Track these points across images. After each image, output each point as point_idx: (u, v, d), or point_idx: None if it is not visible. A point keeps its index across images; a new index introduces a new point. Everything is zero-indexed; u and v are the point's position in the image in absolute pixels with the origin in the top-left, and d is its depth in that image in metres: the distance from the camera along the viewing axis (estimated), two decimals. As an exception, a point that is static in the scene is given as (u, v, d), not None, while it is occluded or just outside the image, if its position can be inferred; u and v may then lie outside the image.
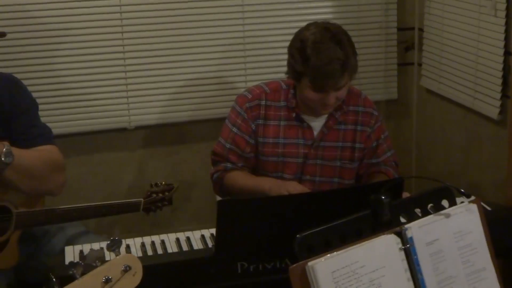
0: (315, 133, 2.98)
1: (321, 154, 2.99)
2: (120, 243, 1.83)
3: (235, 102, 3.03)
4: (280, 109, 2.98)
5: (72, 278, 1.66)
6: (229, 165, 2.99)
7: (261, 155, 3.00)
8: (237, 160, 2.99)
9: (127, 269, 1.73)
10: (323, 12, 3.85)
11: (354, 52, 2.85)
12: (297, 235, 1.78)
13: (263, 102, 2.98)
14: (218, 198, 3.06)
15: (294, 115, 2.96)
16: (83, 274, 1.67)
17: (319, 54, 2.75)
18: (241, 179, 2.96)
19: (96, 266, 1.70)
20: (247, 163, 3.01)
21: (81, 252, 2.54)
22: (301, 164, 2.99)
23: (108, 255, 1.85)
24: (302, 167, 2.99)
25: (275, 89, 3.00)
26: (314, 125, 2.98)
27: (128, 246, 2.55)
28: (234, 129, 2.98)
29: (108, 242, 1.78)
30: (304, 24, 2.91)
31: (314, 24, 2.87)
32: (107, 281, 1.69)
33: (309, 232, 1.80)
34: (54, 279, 1.65)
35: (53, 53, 3.58)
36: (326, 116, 2.97)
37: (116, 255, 1.75)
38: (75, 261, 1.67)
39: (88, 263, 1.70)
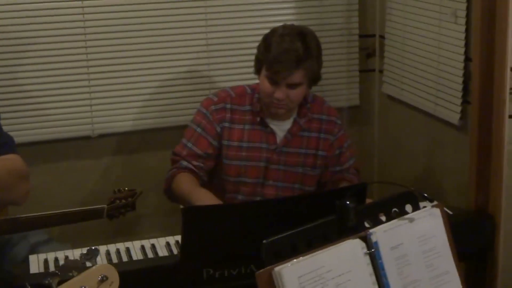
0: (279, 138, 3.01)
1: (283, 159, 3.02)
2: (97, 252, 1.83)
3: (200, 105, 3.06)
4: (245, 113, 3.01)
5: (46, 287, 1.65)
6: (184, 163, 3.00)
7: (225, 158, 3.02)
8: (194, 159, 2.99)
9: (103, 279, 1.72)
10: (285, 19, 3.84)
11: (318, 58, 2.90)
12: (264, 241, 1.79)
13: (228, 106, 3.01)
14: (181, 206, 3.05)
15: (258, 119, 2.99)
16: (59, 284, 1.67)
17: (280, 43, 2.83)
18: (185, 184, 2.95)
19: (72, 276, 1.69)
20: (204, 164, 3.01)
21: (46, 261, 2.52)
22: (263, 168, 3.01)
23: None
24: (264, 171, 3.01)
25: (240, 94, 3.03)
26: (278, 130, 3.01)
27: (93, 254, 2.54)
28: (198, 130, 3.00)
29: (85, 252, 1.77)
30: (266, 30, 2.98)
31: (291, 24, 2.97)
32: None
33: (275, 237, 1.81)
34: None
35: (15, 62, 3.55)
36: (290, 122, 3.01)
37: (93, 265, 1.74)
38: (51, 271, 1.67)
39: (64, 273, 1.70)
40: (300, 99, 2.94)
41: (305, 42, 2.84)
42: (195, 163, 3.00)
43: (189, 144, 3.01)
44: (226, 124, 3.00)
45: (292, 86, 2.85)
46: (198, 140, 3.00)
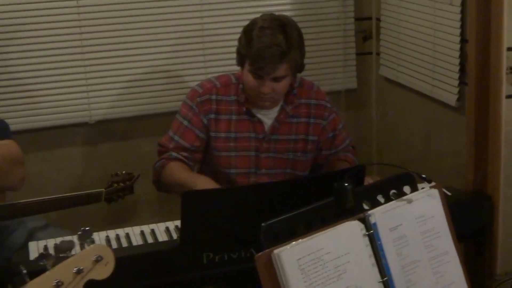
0: (266, 127, 2.99)
1: (273, 147, 3.00)
2: (91, 233, 1.83)
3: (186, 97, 3.03)
4: (231, 103, 2.98)
5: (42, 270, 1.65)
6: (174, 154, 2.98)
7: (214, 150, 3.00)
8: (183, 151, 2.99)
9: (98, 259, 1.72)
10: (281, 3, 3.87)
11: (301, 49, 2.86)
12: (262, 224, 1.79)
13: (213, 97, 2.98)
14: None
15: (244, 109, 2.97)
16: (54, 265, 1.67)
17: (262, 37, 2.78)
18: (178, 171, 2.93)
19: (67, 257, 1.69)
20: (192, 155, 3.01)
21: (46, 247, 2.52)
22: (254, 158, 3.00)
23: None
24: (255, 161, 3.00)
25: (226, 84, 3.00)
26: (265, 119, 2.99)
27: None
28: (185, 122, 2.98)
29: (79, 233, 1.77)
30: (263, 15, 2.95)
31: (270, 14, 2.89)
32: (79, 271, 1.69)
33: (274, 220, 1.81)
34: (25, 271, 1.64)
35: (10, 48, 3.55)
36: (277, 110, 2.98)
37: (87, 246, 1.74)
38: (46, 252, 1.66)
39: (59, 254, 1.70)
40: (286, 90, 2.91)
41: (286, 33, 2.79)
42: (184, 154, 2.99)
43: (176, 137, 2.99)
44: (212, 116, 2.98)
45: (277, 79, 2.82)
46: (185, 133, 2.98)
